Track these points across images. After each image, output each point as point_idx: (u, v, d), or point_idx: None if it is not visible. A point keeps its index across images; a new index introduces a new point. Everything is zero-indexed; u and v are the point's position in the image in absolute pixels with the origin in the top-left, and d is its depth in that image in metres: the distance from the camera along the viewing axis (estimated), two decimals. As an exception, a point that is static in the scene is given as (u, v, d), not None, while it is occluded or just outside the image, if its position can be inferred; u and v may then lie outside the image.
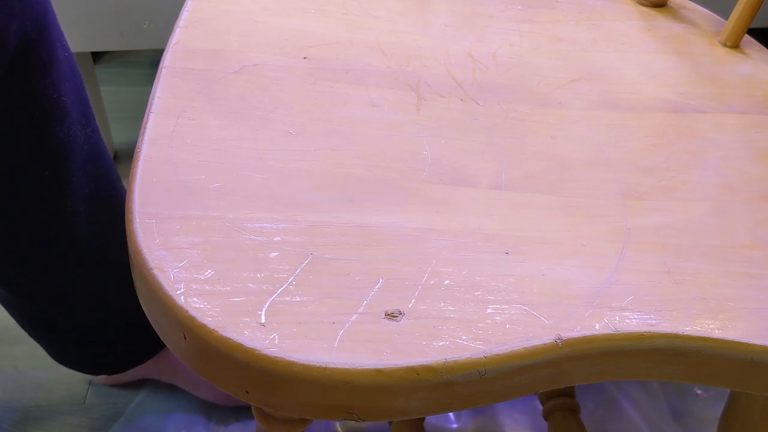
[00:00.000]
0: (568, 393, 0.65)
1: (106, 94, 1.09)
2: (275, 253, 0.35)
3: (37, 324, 0.74)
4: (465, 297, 0.35)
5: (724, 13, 0.60)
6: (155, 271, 0.33)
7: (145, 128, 0.41)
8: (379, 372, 0.31)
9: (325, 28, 0.53)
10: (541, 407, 0.66)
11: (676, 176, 0.45)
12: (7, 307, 0.73)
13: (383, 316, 0.33)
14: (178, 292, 0.33)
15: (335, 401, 0.32)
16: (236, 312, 0.32)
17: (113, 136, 1.12)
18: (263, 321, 0.32)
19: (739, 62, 0.57)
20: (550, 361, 0.34)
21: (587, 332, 0.34)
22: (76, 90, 0.60)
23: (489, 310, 0.34)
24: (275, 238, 0.36)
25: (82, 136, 0.61)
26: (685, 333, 0.35)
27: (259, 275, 0.34)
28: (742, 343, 0.35)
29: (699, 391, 0.88)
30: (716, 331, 0.36)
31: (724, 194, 0.44)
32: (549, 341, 0.33)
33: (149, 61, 1.33)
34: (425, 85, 0.49)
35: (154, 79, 0.45)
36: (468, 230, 0.39)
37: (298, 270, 0.35)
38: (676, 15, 0.62)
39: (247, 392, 0.33)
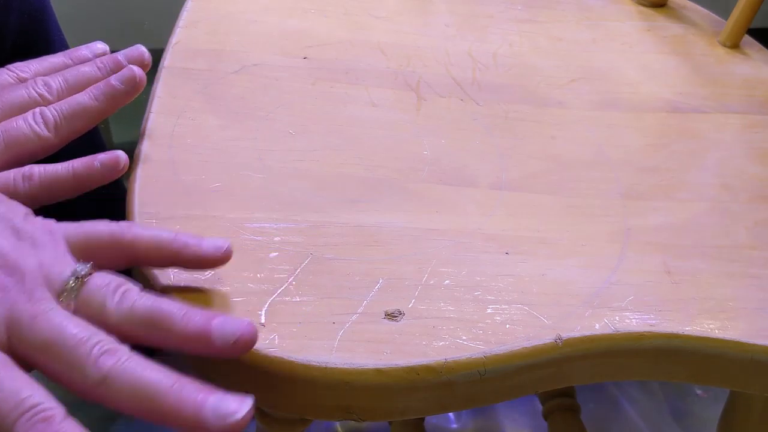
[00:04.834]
0: (568, 393, 0.65)
1: (106, 94, 1.09)
2: (275, 253, 0.35)
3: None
4: (465, 297, 0.35)
5: (724, 13, 0.60)
6: (155, 271, 0.33)
7: (145, 128, 0.41)
8: (379, 372, 0.31)
9: (325, 28, 0.53)
10: (541, 407, 0.66)
11: (676, 176, 0.45)
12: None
13: (383, 316, 0.33)
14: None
15: (335, 401, 0.32)
16: (236, 312, 0.32)
17: (113, 136, 1.12)
18: (263, 321, 0.32)
19: (738, 62, 0.57)
20: (550, 361, 0.34)
21: (587, 332, 0.34)
22: None
23: (489, 310, 0.34)
24: (275, 238, 0.36)
25: None
26: (685, 333, 0.35)
27: (259, 275, 0.34)
28: (742, 343, 0.35)
29: (699, 391, 0.88)
30: (716, 331, 0.36)
31: (724, 194, 0.44)
32: (549, 341, 0.33)
33: (149, 61, 1.33)
34: (425, 85, 0.49)
35: (154, 79, 0.45)
36: (468, 230, 0.39)
37: (298, 270, 0.35)
38: (676, 15, 0.62)
39: (247, 392, 0.33)
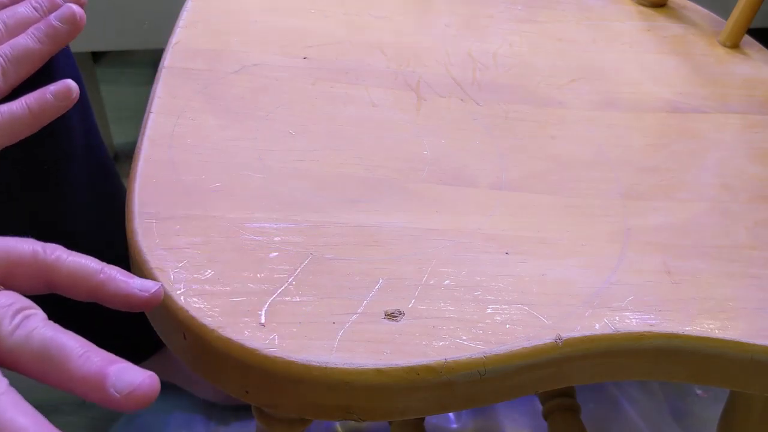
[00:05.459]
0: (568, 393, 0.65)
1: (106, 94, 1.09)
2: (275, 253, 0.35)
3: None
4: (465, 297, 0.35)
5: (724, 13, 0.60)
6: (155, 271, 0.33)
7: (145, 128, 0.41)
8: (379, 372, 0.31)
9: (325, 28, 0.53)
10: (541, 407, 0.66)
11: (676, 176, 0.45)
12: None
13: (383, 316, 0.33)
14: (178, 292, 0.33)
15: (335, 401, 0.32)
16: (236, 312, 0.32)
17: (113, 136, 1.12)
18: (263, 321, 0.32)
19: (738, 62, 0.57)
20: (550, 361, 0.34)
21: (587, 332, 0.34)
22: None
23: (489, 310, 0.34)
24: (275, 238, 0.36)
25: (81, 131, 0.61)
26: (685, 333, 0.35)
27: (259, 275, 0.34)
28: (742, 343, 0.35)
29: (699, 391, 0.88)
30: (716, 331, 0.36)
31: (724, 194, 0.44)
32: (549, 341, 0.33)
33: (149, 61, 1.33)
34: (425, 85, 0.49)
35: (154, 79, 0.45)
36: (468, 230, 0.39)
37: (298, 270, 0.35)
38: (676, 15, 0.62)
39: (247, 392, 0.33)
